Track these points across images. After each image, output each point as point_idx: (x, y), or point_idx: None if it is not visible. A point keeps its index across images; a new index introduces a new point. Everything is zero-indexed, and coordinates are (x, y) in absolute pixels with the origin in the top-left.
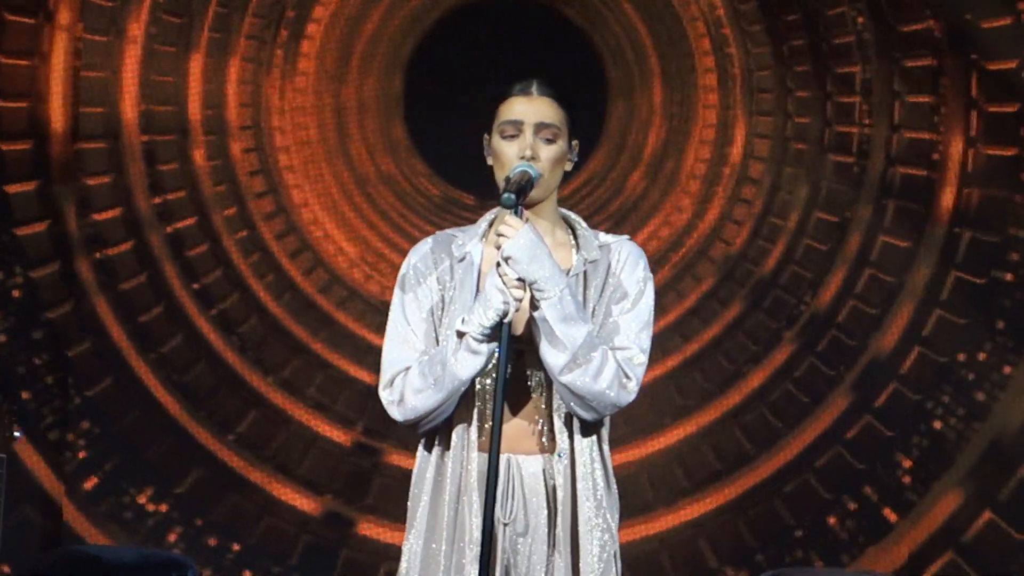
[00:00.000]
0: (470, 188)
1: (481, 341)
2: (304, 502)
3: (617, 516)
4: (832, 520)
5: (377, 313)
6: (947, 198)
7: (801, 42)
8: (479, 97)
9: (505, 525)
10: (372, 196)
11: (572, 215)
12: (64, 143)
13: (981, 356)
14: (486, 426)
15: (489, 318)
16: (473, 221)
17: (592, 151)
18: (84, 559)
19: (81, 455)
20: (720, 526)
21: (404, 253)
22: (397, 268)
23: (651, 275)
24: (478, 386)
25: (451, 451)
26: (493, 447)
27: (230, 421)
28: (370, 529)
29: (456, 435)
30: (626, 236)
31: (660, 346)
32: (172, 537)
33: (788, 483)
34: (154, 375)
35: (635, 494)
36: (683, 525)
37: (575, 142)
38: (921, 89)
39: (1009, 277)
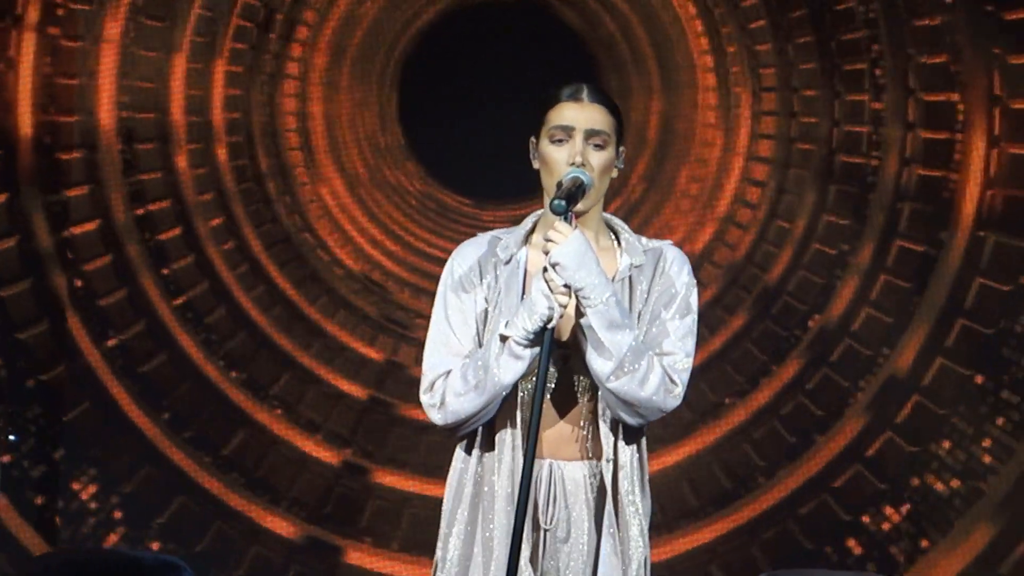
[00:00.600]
0: (466, 191)
1: (525, 346)
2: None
3: (649, 522)
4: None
5: (368, 323)
6: (959, 245)
7: (808, 39)
8: (473, 100)
9: (546, 531)
10: (364, 200)
11: (616, 220)
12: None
13: (983, 409)
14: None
15: (533, 323)
16: (470, 225)
17: None
18: (73, 562)
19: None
20: (694, 568)
21: (397, 260)
22: (390, 274)
23: (695, 280)
24: (523, 391)
25: (495, 455)
26: (528, 451)
27: (183, 417)
28: (354, 555)
29: (499, 439)
30: (669, 241)
31: None
32: (113, 538)
33: (768, 528)
34: (108, 365)
35: None
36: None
37: (622, 148)
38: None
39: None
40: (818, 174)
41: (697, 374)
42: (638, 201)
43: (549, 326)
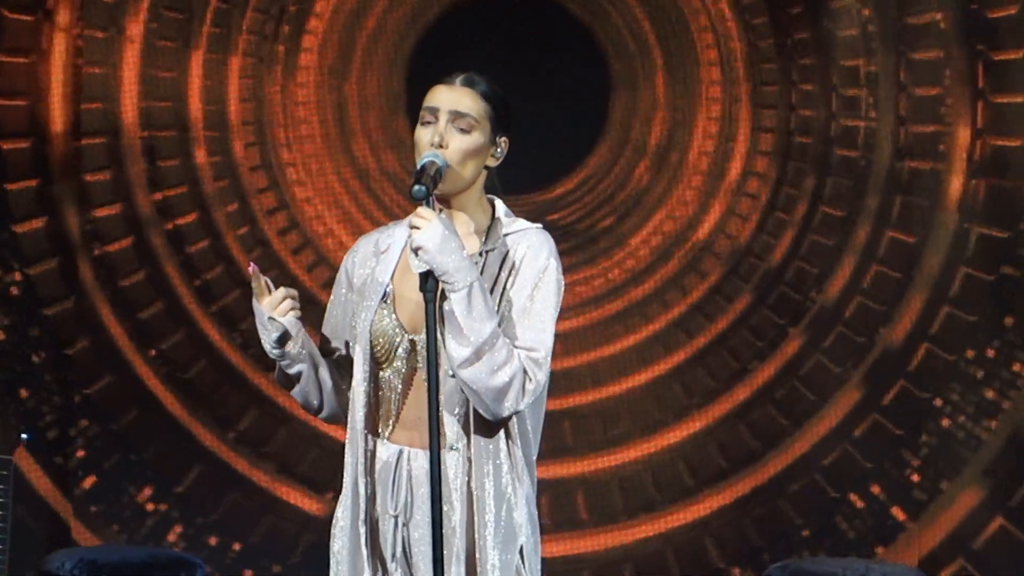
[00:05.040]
0: None
1: (273, 358)
2: (307, 502)
3: (528, 513)
4: (839, 519)
5: None
6: (955, 190)
7: (806, 35)
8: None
9: (395, 517)
10: (375, 191)
11: (500, 204)
12: (64, 141)
13: (990, 353)
14: (391, 418)
15: (265, 339)
16: None
17: (595, 144)
18: (91, 560)
19: (80, 454)
20: (725, 525)
21: None
22: None
23: (557, 263)
24: (383, 375)
25: (351, 439)
26: (433, 439)
27: (231, 419)
28: None
29: (357, 425)
30: (537, 225)
31: (663, 343)
32: (172, 536)
33: (795, 482)
34: (154, 373)
35: (640, 493)
36: (689, 524)
37: (502, 139)
38: (927, 80)
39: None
40: (816, 166)
41: (724, 339)
42: (644, 191)
43: (429, 302)
